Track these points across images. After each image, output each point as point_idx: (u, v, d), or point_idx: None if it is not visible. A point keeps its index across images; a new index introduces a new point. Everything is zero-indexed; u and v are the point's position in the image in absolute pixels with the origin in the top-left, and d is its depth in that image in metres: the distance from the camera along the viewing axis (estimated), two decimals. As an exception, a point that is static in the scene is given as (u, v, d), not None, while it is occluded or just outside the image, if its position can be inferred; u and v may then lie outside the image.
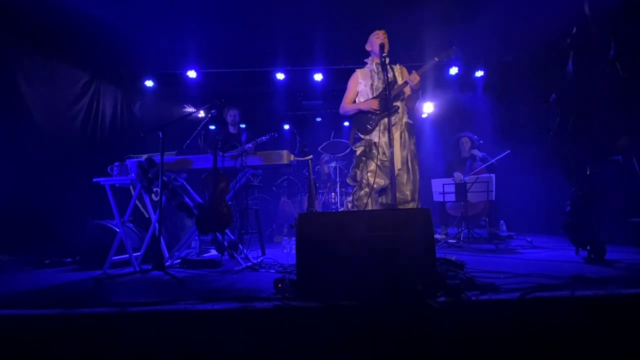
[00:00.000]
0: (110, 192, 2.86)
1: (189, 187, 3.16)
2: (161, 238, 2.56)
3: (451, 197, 3.91)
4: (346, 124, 6.96)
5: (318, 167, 5.75)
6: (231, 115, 4.24)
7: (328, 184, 5.40)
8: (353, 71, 3.12)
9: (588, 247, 2.38)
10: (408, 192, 2.82)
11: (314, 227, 1.65)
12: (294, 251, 2.41)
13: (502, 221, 4.24)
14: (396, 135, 2.79)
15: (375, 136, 2.88)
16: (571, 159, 2.45)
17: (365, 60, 3.07)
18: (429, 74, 5.48)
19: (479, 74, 5.59)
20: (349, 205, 3.18)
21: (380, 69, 2.91)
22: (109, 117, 4.84)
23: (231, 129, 4.26)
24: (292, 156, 2.91)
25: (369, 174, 2.83)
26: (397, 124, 2.84)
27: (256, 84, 5.79)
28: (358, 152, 2.97)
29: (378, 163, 2.81)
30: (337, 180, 5.18)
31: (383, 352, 1.37)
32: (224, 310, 1.45)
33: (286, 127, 7.26)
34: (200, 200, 3.02)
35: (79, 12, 3.73)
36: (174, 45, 4.72)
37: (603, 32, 2.28)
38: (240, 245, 2.94)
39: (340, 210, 4.85)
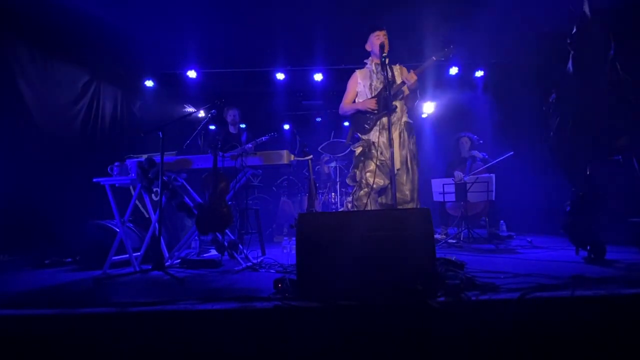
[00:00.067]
0: (110, 192, 2.86)
1: (189, 187, 3.16)
2: (161, 238, 2.56)
3: (451, 197, 3.91)
4: (346, 124, 6.95)
5: (318, 167, 5.75)
6: (231, 115, 4.24)
7: (328, 184, 5.40)
8: (353, 71, 3.12)
9: (588, 247, 2.38)
10: (407, 192, 2.82)
11: (314, 227, 1.65)
12: (294, 251, 2.41)
13: (502, 221, 4.24)
14: (395, 134, 2.79)
15: (373, 136, 2.88)
16: (571, 159, 2.45)
17: (365, 61, 3.07)
18: (429, 74, 5.50)
19: (479, 74, 5.58)
20: (349, 205, 3.19)
21: (379, 69, 2.91)
22: (109, 117, 4.83)
23: (231, 129, 4.26)
24: (292, 156, 2.91)
25: (368, 174, 2.83)
26: (396, 124, 2.84)
27: (256, 84, 5.79)
28: (357, 152, 2.97)
29: (377, 163, 2.81)
30: (337, 180, 5.18)
31: (383, 352, 1.37)
32: (224, 310, 1.45)
33: (286, 127, 7.26)
34: (200, 200, 3.02)
35: (79, 12, 3.73)
36: (174, 45, 4.71)
37: (603, 32, 2.28)
38: (240, 245, 2.94)
39: (340, 210, 4.85)
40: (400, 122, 2.88)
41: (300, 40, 4.73)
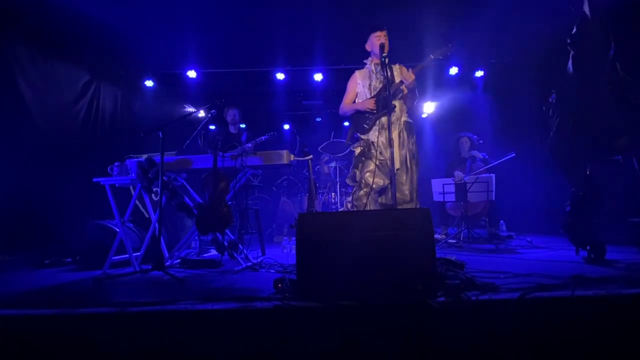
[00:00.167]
0: (110, 192, 2.86)
1: (189, 187, 3.16)
2: (161, 238, 2.56)
3: (451, 197, 3.91)
4: (346, 124, 6.95)
5: (318, 167, 5.75)
6: (231, 115, 4.24)
7: (328, 184, 5.40)
8: (353, 71, 3.12)
9: (588, 247, 2.38)
10: (407, 192, 2.82)
11: (314, 227, 1.65)
12: (294, 251, 2.41)
13: (502, 221, 4.24)
14: (394, 134, 2.78)
15: (373, 136, 2.88)
16: (571, 159, 2.45)
17: (364, 61, 3.07)
18: (429, 74, 5.51)
19: (479, 74, 5.58)
20: (349, 205, 3.18)
21: (378, 69, 2.92)
22: (109, 117, 4.83)
23: (231, 129, 4.26)
24: (292, 156, 2.91)
25: (367, 174, 2.83)
26: (395, 123, 2.83)
27: (256, 84, 5.79)
28: (357, 152, 2.97)
29: (377, 163, 2.81)
30: (337, 180, 5.18)
31: (383, 353, 1.37)
32: (224, 310, 1.45)
33: (286, 127, 7.26)
34: (200, 200, 3.02)
35: (79, 11, 3.73)
36: (174, 45, 4.71)
37: (603, 32, 2.28)
38: (240, 245, 2.94)
39: (340, 210, 4.85)
40: (399, 122, 2.88)
41: (300, 40, 4.73)
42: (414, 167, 2.86)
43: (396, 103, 2.85)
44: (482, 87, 5.76)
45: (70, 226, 3.28)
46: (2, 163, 3.30)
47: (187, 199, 2.97)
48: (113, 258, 2.75)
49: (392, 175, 2.50)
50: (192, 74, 5.28)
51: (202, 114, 5.52)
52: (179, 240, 3.29)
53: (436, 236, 3.89)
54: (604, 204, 2.40)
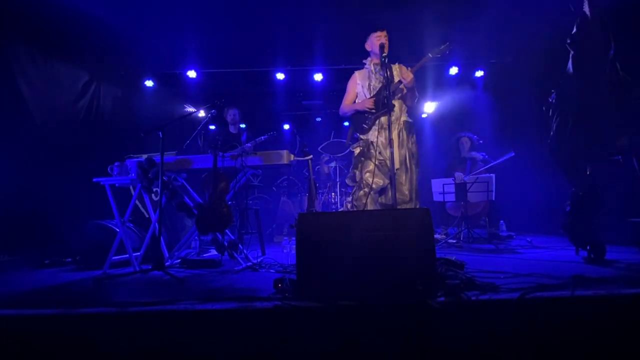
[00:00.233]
0: (110, 192, 2.86)
1: (189, 187, 3.16)
2: (161, 238, 2.56)
3: (451, 197, 3.91)
4: (346, 123, 6.95)
5: (318, 167, 5.75)
6: (231, 115, 4.24)
7: (328, 184, 5.40)
8: (353, 71, 3.12)
9: (588, 247, 2.38)
10: (407, 192, 2.82)
11: (314, 227, 1.65)
12: (294, 251, 2.40)
13: (502, 221, 4.24)
14: (394, 134, 2.78)
15: (372, 136, 2.88)
16: (571, 159, 2.45)
17: (363, 61, 3.07)
18: (429, 74, 5.51)
19: (479, 74, 5.58)
20: (349, 205, 3.18)
21: (377, 69, 2.92)
22: (109, 117, 4.83)
23: (231, 129, 4.26)
24: (292, 156, 2.91)
25: (367, 174, 2.83)
26: (395, 123, 2.82)
27: (256, 84, 5.79)
28: (356, 153, 2.97)
29: (376, 163, 2.80)
30: (337, 180, 5.18)
31: (383, 353, 1.37)
32: (223, 310, 1.45)
33: (286, 127, 7.26)
34: (200, 200, 3.02)
35: (79, 11, 3.73)
36: (174, 45, 4.71)
37: (603, 32, 2.28)
38: (240, 245, 2.94)
39: (340, 210, 4.85)
40: (399, 122, 2.87)
41: (300, 40, 4.73)
42: (413, 167, 2.86)
43: (395, 102, 2.85)
44: (482, 87, 5.76)
45: (70, 226, 3.28)
46: (2, 163, 3.30)
47: (187, 199, 2.97)
48: (113, 258, 2.75)
49: (392, 175, 2.50)
50: (192, 74, 5.28)
51: (202, 114, 5.52)
52: (179, 240, 3.29)
53: (436, 236, 3.89)
54: (604, 204, 2.39)
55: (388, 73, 2.57)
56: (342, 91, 3.13)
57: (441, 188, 3.92)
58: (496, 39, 4.66)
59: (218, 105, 3.19)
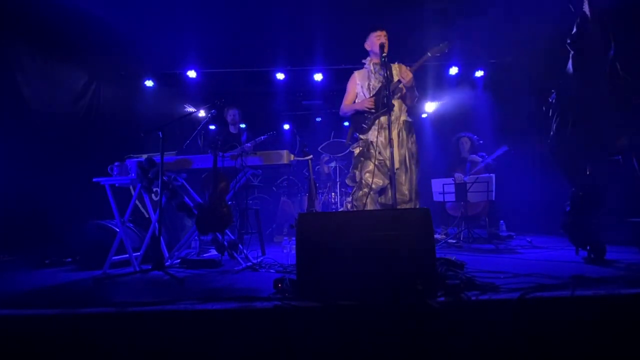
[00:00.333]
0: (110, 192, 2.86)
1: (189, 187, 3.16)
2: (161, 238, 2.56)
3: (451, 197, 3.91)
4: (346, 123, 6.95)
5: (318, 167, 5.75)
6: (231, 115, 4.24)
7: (328, 184, 5.40)
8: (353, 71, 3.12)
9: (588, 247, 2.38)
10: (406, 192, 2.82)
11: (314, 227, 1.65)
12: (294, 251, 2.41)
13: (502, 221, 4.24)
14: (393, 133, 2.77)
15: (372, 135, 2.88)
16: (571, 159, 2.45)
17: (363, 61, 3.07)
18: (429, 74, 5.50)
19: (479, 74, 5.58)
20: (349, 205, 3.19)
21: (377, 69, 2.92)
22: (109, 117, 4.83)
23: (231, 129, 4.26)
24: (292, 156, 2.91)
25: (367, 174, 2.83)
26: (394, 123, 2.82)
27: (256, 84, 5.79)
28: (356, 153, 2.97)
29: (375, 163, 2.80)
30: (337, 180, 5.18)
31: (383, 353, 1.37)
32: (223, 310, 1.45)
33: (286, 127, 7.26)
34: (200, 200, 3.02)
35: (79, 12, 3.73)
36: (174, 45, 4.71)
37: (603, 32, 2.28)
38: (240, 245, 2.94)
39: (340, 210, 4.85)
40: (398, 121, 2.87)
41: (300, 40, 4.73)
42: (413, 166, 2.85)
43: (395, 102, 2.85)
44: (482, 87, 5.76)
45: (70, 226, 3.28)
46: (2, 163, 3.30)
47: (187, 199, 2.97)
48: (113, 258, 2.75)
49: (392, 175, 2.50)
50: (192, 74, 5.28)
51: (202, 114, 5.52)
52: (179, 240, 3.29)
53: (436, 236, 3.89)
54: (604, 204, 2.39)
55: (387, 73, 2.57)
56: (342, 91, 3.13)
57: (441, 188, 3.91)
58: (496, 39, 4.66)
59: (218, 105, 3.19)
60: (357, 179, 2.94)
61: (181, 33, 4.42)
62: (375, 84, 2.94)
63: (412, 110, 3.01)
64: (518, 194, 4.69)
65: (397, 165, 2.76)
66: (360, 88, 3.01)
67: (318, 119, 7.22)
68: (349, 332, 1.39)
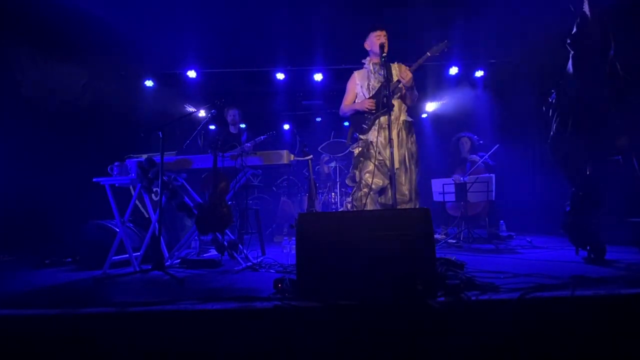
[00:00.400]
0: (110, 192, 2.86)
1: (189, 187, 3.16)
2: (161, 238, 2.56)
3: (451, 197, 3.91)
4: (346, 123, 6.95)
5: (318, 167, 5.75)
6: (231, 115, 4.24)
7: (328, 184, 5.40)
8: (353, 71, 3.12)
9: (588, 247, 2.38)
10: (406, 192, 2.81)
11: (314, 227, 1.65)
12: (294, 251, 2.41)
13: (502, 221, 4.24)
14: (393, 133, 2.76)
15: (372, 135, 2.88)
16: (571, 159, 2.45)
17: (362, 61, 3.07)
18: (429, 74, 5.50)
19: (479, 73, 5.59)
20: (349, 206, 3.18)
21: (377, 68, 2.92)
22: (109, 117, 4.83)
23: (231, 129, 4.26)
24: (292, 156, 2.91)
25: (367, 174, 2.83)
26: (394, 123, 2.80)
27: (256, 84, 5.79)
28: (356, 153, 2.97)
29: (375, 163, 2.80)
30: (337, 180, 5.18)
31: (383, 353, 1.37)
32: (223, 310, 1.45)
33: (286, 127, 7.26)
34: (200, 200, 3.02)
35: (79, 12, 3.73)
36: (174, 45, 4.71)
37: (603, 32, 2.28)
38: (240, 245, 2.94)
39: (340, 210, 4.85)
40: (398, 121, 2.86)
41: (300, 40, 4.73)
42: (412, 166, 2.85)
43: (395, 102, 2.84)
44: (482, 87, 5.76)
45: (70, 226, 3.29)
46: (2, 163, 3.31)
47: (187, 199, 2.97)
48: (113, 258, 2.75)
49: (391, 175, 2.50)
50: (192, 74, 5.28)
51: (202, 113, 5.52)
52: (179, 240, 3.29)
53: (436, 236, 3.89)
54: (604, 204, 2.39)
55: (387, 73, 2.57)
56: (342, 91, 3.13)
57: (441, 188, 3.92)
58: (496, 39, 4.66)
59: (218, 105, 3.19)
60: (357, 179, 2.94)
61: (181, 33, 4.42)
62: (375, 84, 2.93)
63: (412, 110, 3.01)
64: (518, 194, 4.69)
65: (396, 165, 2.76)
66: (360, 88, 3.01)
67: (318, 119, 7.22)
68: (349, 332, 1.39)
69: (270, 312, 1.43)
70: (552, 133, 2.53)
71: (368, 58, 3.03)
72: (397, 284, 1.51)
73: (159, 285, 2.15)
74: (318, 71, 5.48)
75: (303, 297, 1.52)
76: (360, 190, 2.87)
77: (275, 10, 4.04)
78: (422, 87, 5.38)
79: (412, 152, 2.88)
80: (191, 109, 5.85)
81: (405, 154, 2.83)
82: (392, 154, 2.46)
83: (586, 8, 2.28)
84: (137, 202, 2.97)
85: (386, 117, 2.52)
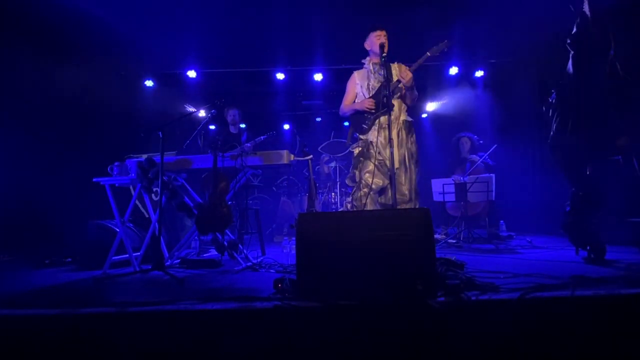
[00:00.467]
0: (110, 192, 2.86)
1: (189, 187, 3.16)
2: (161, 238, 2.56)
3: (451, 197, 3.91)
4: (346, 123, 6.95)
5: (318, 167, 5.75)
6: (231, 115, 4.24)
7: (328, 184, 5.40)
8: (353, 71, 3.12)
9: (588, 247, 2.38)
10: (406, 192, 2.81)
11: (314, 227, 1.65)
12: (294, 251, 2.41)
13: (502, 221, 4.24)
14: (393, 133, 2.76)
15: (372, 135, 2.88)
16: (571, 159, 2.45)
17: (362, 61, 3.07)
18: (429, 74, 5.50)
19: (479, 73, 5.59)
20: (348, 205, 3.18)
21: (376, 68, 2.92)
22: (109, 117, 4.83)
23: (231, 129, 4.26)
24: (292, 156, 2.91)
25: (367, 174, 2.83)
26: (394, 122, 2.80)
27: (256, 84, 5.79)
28: (356, 153, 2.97)
29: (375, 163, 2.80)
30: (337, 180, 5.18)
31: (383, 352, 1.37)
32: (223, 310, 1.45)
33: (286, 127, 7.26)
34: (200, 200, 3.02)
35: (79, 12, 3.73)
36: (174, 45, 4.71)
37: (603, 32, 2.28)
38: (240, 245, 2.94)
39: (340, 210, 4.85)
40: (398, 121, 2.86)
41: (300, 40, 4.73)
42: (412, 166, 2.85)
43: (394, 102, 2.84)
44: (482, 87, 5.76)
45: (70, 226, 3.29)
46: (2, 163, 3.31)
47: (187, 199, 2.97)
48: (113, 258, 2.75)
49: (391, 175, 2.50)
50: (192, 74, 5.28)
51: (202, 113, 5.52)
52: (179, 240, 3.29)
53: (436, 236, 3.89)
54: (604, 204, 2.40)
55: (387, 73, 2.57)
56: (342, 91, 3.13)
57: (441, 188, 3.92)
58: (496, 39, 4.66)
59: (218, 105, 3.19)
60: (357, 179, 2.94)
61: (181, 33, 4.42)
62: (375, 83, 2.93)
63: (412, 110, 3.01)
64: (518, 194, 4.69)
65: (396, 165, 2.76)
66: (359, 88, 3.01)
67: (318, 119, 7.22)
68: (349, 332, 1.39)
69: (270, 312, 1.43)
70: (552, 133, 2.53)
71: (368, 58, 3.03)
72: (397, 284, 1.51)
73: (159, 285, 2.15)
74: (318, 71, 5.48)
75: (303, 297, 1.52)
76: (360, 190, 2.87)
77: (275, 10, 4.04)
78: (422, 87, 5.37)
79: (412, 152, 2.88)
80: (191, 109, 5.84)
81: (405, 153, 2.83)
82: (392, 153, 2.46)
83: (586, 8, 2.29)
84: (137, 202, 2.97)
85: (386, 117, 2.52)
